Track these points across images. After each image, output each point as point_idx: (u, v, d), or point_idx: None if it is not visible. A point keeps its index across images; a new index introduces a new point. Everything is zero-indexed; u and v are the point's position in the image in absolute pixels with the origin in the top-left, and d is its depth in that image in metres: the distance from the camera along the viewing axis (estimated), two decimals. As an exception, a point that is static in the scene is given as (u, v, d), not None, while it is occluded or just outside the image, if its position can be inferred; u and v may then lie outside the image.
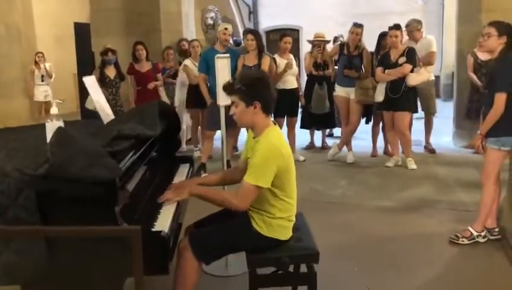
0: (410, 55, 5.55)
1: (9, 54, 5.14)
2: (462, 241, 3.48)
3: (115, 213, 1.69)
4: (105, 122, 2.51)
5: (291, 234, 2.38)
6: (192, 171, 3.02)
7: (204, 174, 5.62)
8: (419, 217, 4.16)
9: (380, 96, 5.71)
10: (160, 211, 2.14)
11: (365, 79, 5.92)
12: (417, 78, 5.63)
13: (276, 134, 2.32)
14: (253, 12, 14.75)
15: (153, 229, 1.91)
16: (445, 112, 7.09)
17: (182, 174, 2.85)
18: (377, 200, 4.65)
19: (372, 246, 3.57)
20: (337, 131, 8.04)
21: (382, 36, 6.20)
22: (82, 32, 10.28)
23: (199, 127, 7.05)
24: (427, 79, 5.89)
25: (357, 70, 5.94)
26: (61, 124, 2.20)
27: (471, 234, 3.48)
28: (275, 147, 2.23)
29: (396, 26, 5.62)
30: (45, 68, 9.71)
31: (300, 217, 2.54)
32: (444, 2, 12.67)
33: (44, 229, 1.49)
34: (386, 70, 5.63)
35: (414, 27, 6.20)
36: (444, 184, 5.14)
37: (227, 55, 3.16)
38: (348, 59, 5.97)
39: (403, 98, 5.57)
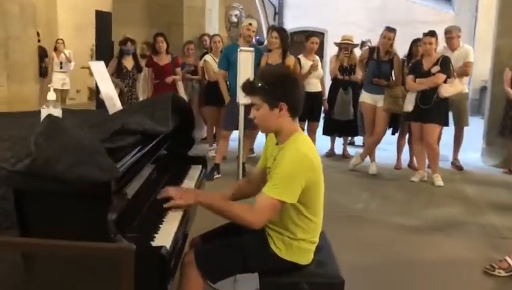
0: (445, 64, 5.20)
1: (22, 36, 4.91)
2: (499, 272, 3.11)
3: (106, 223, 1.41)
4: (110, 114, 2.23)
5: (312, 257, 2.06)
6: (205, 174, 2.72)
7: (217, 176, 5.35)
8: (448, 240, 3.81)
9: (409, 106, 5.37)
10: (164, 219, 1.84)
11: (395, 87, 5.58)
12: (450, 89, 5.27)
13: (304, 140, 1.99)
14: (278, 12, 14.44)
15: (152, 243, 1.62)
16: (472, 127, 6.75)
17: (192, 176, 2.55)
18: (401, 217, 4.31)
19: (396, 270, 3.23)
20: (358, 139, 7.71)
21: (414, 43, 5.87)
22: (103, 21, 10.10)
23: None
24: (460, 91, 5.53)
25: (386, 79, 5.61)
26: (58, 111, 1.93)
27: (510, 265, 3.12)
28: (304, 156, 1.90)
29: (431, 33, 5.27)
30: (65, 55, 9.55)
31: (323, 236, 2.21)
32: (478, 13, 12.20)
33: (16, 242, 1.21)
34: (418, 79, 5.29)
35: (456, 34, 5.84)
36: (474, 205, 4.77)
37: (252, 49, 2.88)
38: (377, 64, 5.64)
39: (434, 109, 5.22)
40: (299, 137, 1.98)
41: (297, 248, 1.99)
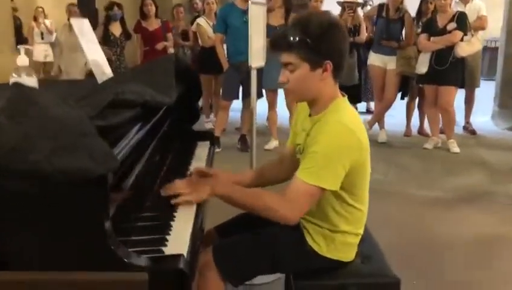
0: (461, 20, 4.79)
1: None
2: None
3: (104, 232, 1.01)
4: (100, 83, 1.82)
5: (356, 251, 1.68)
6: (214, 152, 2.32)
7: (217, 150, 4.95)
8: (477, 213, 3.48)
9: (422, 67, 4.98)
10: (175, 215, 1.45)
11: (407, 47, 5.16)
12: (467, 48, 4.88)
13: (347, 109, 1.59)
14: (269, -26, 13.76)
15: (164, 249, 1.21)
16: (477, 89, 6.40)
17: (200, 156, 2.15)
18: (423, 189, 3.97)
19: (426, 250, 2.88)
20: (361, 106, 7.32)
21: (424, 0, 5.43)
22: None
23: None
24: (478, 49, 5.13)
25: (396, 39, 5.19)
26: (32, 80, 1.52)
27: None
28: (349, 131, 1.49)
29: (446, -13, 4.84)
30: (45, 25, 8.96)
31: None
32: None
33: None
34: (432, 38, 4.88)
35: None
36: (495, 171, 4.45)
37: (264, 1, 2.45)
38: (387, 23, 5.21)
39: (450, 70, 4.84)
40: (340, 105, 1.57)
41: (341, 243, 1.60)
